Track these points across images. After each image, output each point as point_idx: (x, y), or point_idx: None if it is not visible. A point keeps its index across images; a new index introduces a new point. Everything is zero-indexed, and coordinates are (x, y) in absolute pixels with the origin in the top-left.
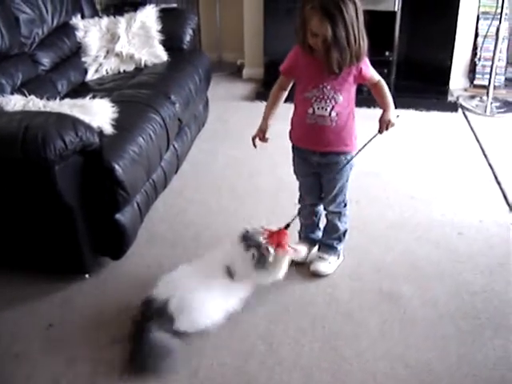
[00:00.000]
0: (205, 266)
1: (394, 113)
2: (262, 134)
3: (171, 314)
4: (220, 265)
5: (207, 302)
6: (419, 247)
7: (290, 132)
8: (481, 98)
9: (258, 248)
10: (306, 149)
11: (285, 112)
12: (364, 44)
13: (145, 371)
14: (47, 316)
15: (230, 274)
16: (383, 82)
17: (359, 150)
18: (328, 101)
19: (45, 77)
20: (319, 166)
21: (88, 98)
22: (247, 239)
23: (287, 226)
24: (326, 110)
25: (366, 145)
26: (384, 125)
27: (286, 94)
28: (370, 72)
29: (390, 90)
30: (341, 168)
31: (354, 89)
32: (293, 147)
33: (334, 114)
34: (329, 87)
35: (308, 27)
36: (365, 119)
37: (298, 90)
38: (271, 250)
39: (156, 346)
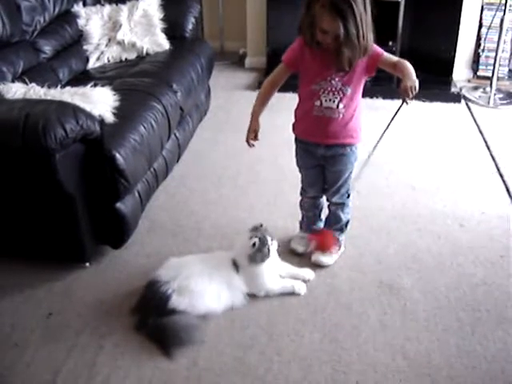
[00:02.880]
0: (212, 258)
1: (413, 76)
2: (254, 135)
3: (166, 293)
4: (227, 258)
5: (209, 290)
6: (420, 239)
7: (294, 124)
8: (484, 89)
9: (261, 240)
10: (310, 141)
11: (287, 102)
12: (371, 37)
13: (173, 346)
14: (47, 304)
15: (235, 266)
16: (404, 60)
17: (387, 126)
18: (336, 93)
19: (46, 65)
20: (324, 158)
21: (89, 86)
22: (256, 230)
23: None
24: (334, 102)
25: (393, 117)
26: (409, 90)
27: (277, 88)
28: (383, 52)
29: (393, 81)
30: (346, 163)
31: (362, 81)
32: (296, 140)
33: (341, 106)
34: (337, 79)
35: (318, 25)
36: (368, 109)
37: (304, 83)
38: (273, 245)
39: (177, 322)
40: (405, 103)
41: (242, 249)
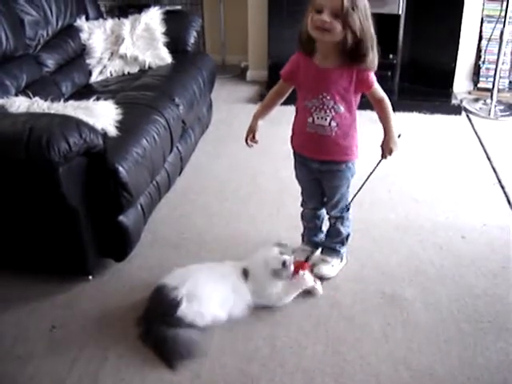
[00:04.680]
0: (220, 266)
1: (395, 138)
2: (251, 135)
3: (176, 299)
4: (236, 267)
5: (215, 296)
6: (422, 250)
7: (292, 138)
8: (485, 100)
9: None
10: (305, 156)
11: (289, 115)
12: (374, 51)
13: (173, 359)
14: (50, 317)
15: (245, 275)
16: (388, 102)
17: (366, 180)
18: (328, 111)
19: (49, 78)
20: (319, 172)
21: (92, 99)
22: (282, 247)
23: (307, 259)
24: (326, 119)
25: (372, 172)
26: (387, 151)
27: (282, 99)
28: (375, 83)
29: (394, 93)
30: (342, 179)
31: (356, 99)
32: (294, 153)
33: (333, 123)
34: (328, 97)
35: (314, 7)
36: (370, 122)
37: (300, 98)
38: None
39: (178, 337)
40: (383, 158)
41: (263, 261)
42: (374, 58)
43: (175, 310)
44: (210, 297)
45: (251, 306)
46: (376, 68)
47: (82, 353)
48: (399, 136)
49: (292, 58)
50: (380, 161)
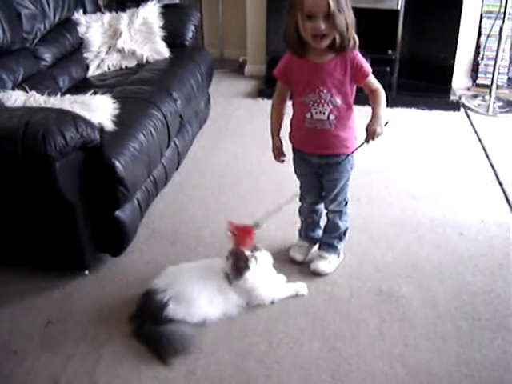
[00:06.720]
0: (209, 264)
1: (382, 121)
2: (278, 151)
3: (163, 301)
4: (221, 268)
5: (203, 295)
6: (420, 247)
7: (290, 134)
8: (483, 97)
9: (236, 258)
10: (305, 151)
11: (288, 110)
12: (354, 32)
13: (167, 355)
14: (46, 312)
15: (228, 279)
16: (382, 91)
17: (350, 153)
18: (326, 104)
19: (46, 72)
20: (319, 166)
21: (89, 94)
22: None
23: (256, 224)
24: (324, 113)
25: (354, 151)
26: (371, 132)
27: (285, 104)
28: (371, 74)
29: (393, 89)
30: (341, 171)
31: (351, 91)
32: (293, 148)
33: (332, 117)
34: (325, 91)
35: (303, 14)
36: (368, 118)
37: (295, 95)
38: (261, 255)
39: (172, 332)
40: (366, 142)
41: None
42: (356, 38)
43: (161, 311)
44: (198, 297)
45: (240, 308)
46: (358, 45)
47: (77, 348)
48: (386, 124)
49: (284, 57)
50: (362, 143)
